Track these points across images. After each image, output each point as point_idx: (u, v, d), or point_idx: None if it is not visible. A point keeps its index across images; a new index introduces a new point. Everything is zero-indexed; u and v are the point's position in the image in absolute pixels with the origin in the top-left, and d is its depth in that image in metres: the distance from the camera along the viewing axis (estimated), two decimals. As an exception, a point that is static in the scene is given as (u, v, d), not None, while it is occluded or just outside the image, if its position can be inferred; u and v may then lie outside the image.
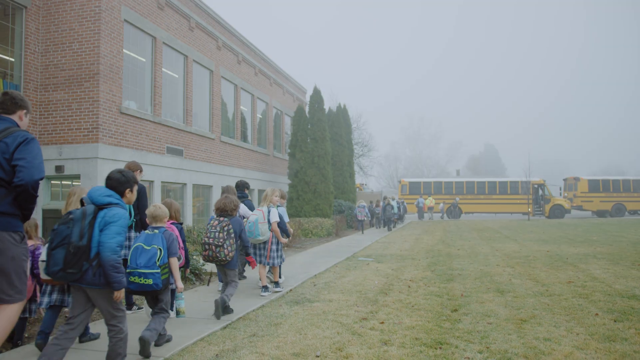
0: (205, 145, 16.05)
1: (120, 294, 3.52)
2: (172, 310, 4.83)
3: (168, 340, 4.56)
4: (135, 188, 3.82)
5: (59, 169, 11.11)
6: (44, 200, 11.26)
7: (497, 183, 34.89)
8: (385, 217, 21.97)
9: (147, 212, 4.54)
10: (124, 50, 12.08)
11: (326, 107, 22.03)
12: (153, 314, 4.36)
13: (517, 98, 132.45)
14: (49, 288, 4.41)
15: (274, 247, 7.10)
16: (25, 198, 3.25)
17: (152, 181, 12.90)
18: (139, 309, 6.03)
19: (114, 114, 11.56)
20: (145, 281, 4.01)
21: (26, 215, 3.36)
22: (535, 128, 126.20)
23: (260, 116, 21.71)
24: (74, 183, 11.76)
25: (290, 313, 5.82)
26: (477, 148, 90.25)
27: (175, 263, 4.41)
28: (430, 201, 33.09)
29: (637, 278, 7.96)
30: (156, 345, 4.43)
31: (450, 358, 4.13)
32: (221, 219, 5.74)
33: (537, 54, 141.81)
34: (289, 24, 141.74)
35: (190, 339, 4.72)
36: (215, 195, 16.50)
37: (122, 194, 3.65)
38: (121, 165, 11.62)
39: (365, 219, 21.38)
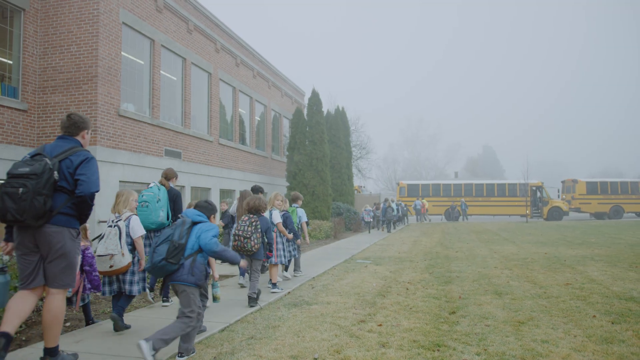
0: (203, 148, 16.06)
1: (244, 264, 5.04)
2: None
3: (203, 330, 5.04)
4: (217, 215, 4.76)
5: (57, 171, 11.10)
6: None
7: (495, 185, 34.92)
8: (386, 218, 22.59)
9: None
10: (122, 53, 12.09)
11: (325, 109, 22.07)
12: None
13: (517, 100, 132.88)
14: (107, 279, 5.23)
15: (280, 246, 7.74)
16: (84, 206, 3.95)
17: (149, 184, 12.89)
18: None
19: (112, 116, 11.56)
20: None
21: (83, 219, 4.04)
22: (535, 130, 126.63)
23: (259, 118, 21.72)
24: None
25: (288, 315, 5.82)
26: (475, 150, 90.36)
27: (212, 260, 5.10)
28: (423, 203, 33.25)
29: (634, 280, 7.97)
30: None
31: (448, 360, 4.13)
32: (251, 215, 6.49)
33: (537, 56, 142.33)
34: (288, 28, 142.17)
35: (188, 341, 4.71)
36: (214, 198, 16.50)
37: (208, 218, 4.69)
38: (118, 168, 11.63)
39: (371, 220, 22.67)
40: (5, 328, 3.63)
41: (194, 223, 4.50)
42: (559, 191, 36.97)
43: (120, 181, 11.68)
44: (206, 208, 4.73)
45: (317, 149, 20.29)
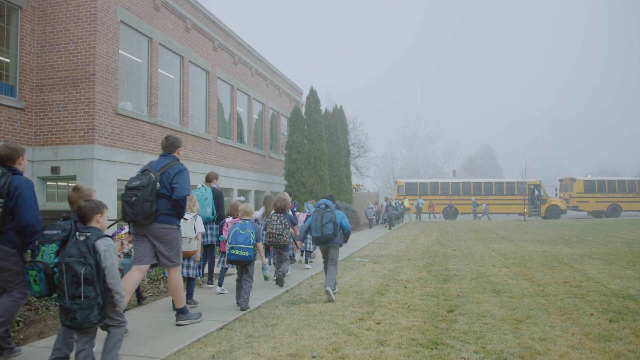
0: (201, 146, 16.03)
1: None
2: (215, 284, 7.52)
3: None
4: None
5: (54, 170, 11.07)
6: (39, 202, 11.20)
7: (493, 184, 34.94)
8: (387, 216, 23.79)
9: (240, 209, 6.58)
10: (120, 51, 12.05)
11: (323, 108, 22.04)
12: (243, 280, 6.15)
13: (515, 100, 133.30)
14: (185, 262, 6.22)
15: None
16: (178, 206, 5.20)
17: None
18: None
19: (110, 114, 11.53)
20: (243, 253, 5.98)
21: (179, 215, 5.28)
22: (533, 129, 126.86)
23: (257, 117, 21.69)
24: (69, 184, 11.73)
25: (287, 314, 5.82)
26: (473, 149, 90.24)
27: (261, 245, 6.28)
28: (407, 202, 33.45)
29: (632, 278, 8.00)
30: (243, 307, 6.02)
31: (446, 358, 4.14)
32: (279, 215, 7.67)
33: (536, 57, 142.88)
34: (291, 32, 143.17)
35: (186, 340, 4.72)
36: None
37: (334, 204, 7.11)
38: (116, 166, 11.60)
39: (374, 218, 24.53)
40: (177, 305, 5.28)
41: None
42: (556, 189, 37.01)
43: (118, 179, 11.66)
44: (332, 198, 7.37)
45: (315, 148, 20.27)
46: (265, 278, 6.55)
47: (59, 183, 11.78)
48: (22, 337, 4.89)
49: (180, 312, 5.28)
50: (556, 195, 36.28)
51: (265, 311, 6.00)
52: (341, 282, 8.00)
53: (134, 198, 4.86)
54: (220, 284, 7.27)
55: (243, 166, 19.38)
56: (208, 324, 5.31)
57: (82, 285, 3.36)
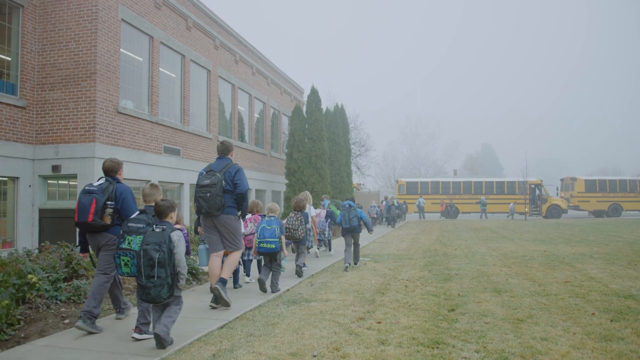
0: (202, 145, 16.03)
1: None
2: (249, 276, 8.22)
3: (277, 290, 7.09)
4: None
5: (55, 168, 11.08)
6: (40, 200, 11.22)
7: (494, 183, 34.89)
8: (389, 215, 23.97)
9: (267, 207, 7.49)
10: (121, 50, 12.05)
11: (324, 107, 22.03)
12: (273, 268, 7.10)
13: (516, 100, 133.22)
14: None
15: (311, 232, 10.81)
16: (241, 199, 6.13)
17: (148, 181, 12.86)
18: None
19: (111, 113, 11.53)
20: (270, 246, 6.91)
21: (239, 207, 6.19)
22: (534, 129, 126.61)
23: (258, 116, 21.69)
24: (70, 183, 11.73)
25: (288, 313, 5.82)
26: (474, 148, 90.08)
27: (283, 239, 7.11)
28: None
29: (633, 278, 7.98)
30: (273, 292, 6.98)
31: (447, 358, 4.13)
32: (297, 212, 8.49)
33: (537, 55, 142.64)
34: (291, 31, 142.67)
35: (187, 338, 4.71)
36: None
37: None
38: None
39: (376, 216, 24.64)
40: (222, 275, 5.99)
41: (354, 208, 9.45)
42: (557, 189, 36.94)
43: (119, 178, 11.65)
44: (353, 200, 9.85)
45: (316, 146, 20.26)
46: (281, 268, 7.27)
47: (59, 182, 11.78)
48: (22, 335, 4.88)
49: (221, 282, 5.87)
50: (557, 194, 36.21)
51: (266, 310, 5.99)
52: (342, 281, 8.00)
53: (208, 194, 5.80)
54: (247, 274, 8.12)
55: (244, 165, 19.38)
56: (209, 323, 5.30)
57: (155, 267, 4.15)
